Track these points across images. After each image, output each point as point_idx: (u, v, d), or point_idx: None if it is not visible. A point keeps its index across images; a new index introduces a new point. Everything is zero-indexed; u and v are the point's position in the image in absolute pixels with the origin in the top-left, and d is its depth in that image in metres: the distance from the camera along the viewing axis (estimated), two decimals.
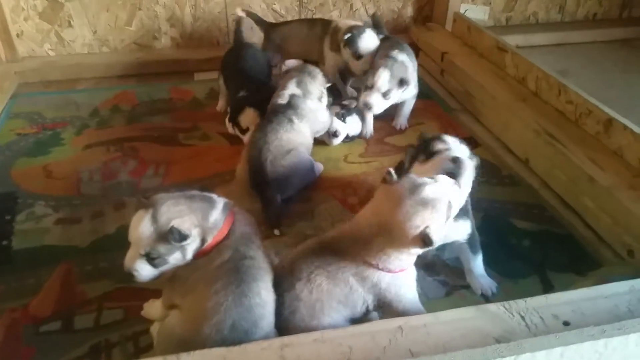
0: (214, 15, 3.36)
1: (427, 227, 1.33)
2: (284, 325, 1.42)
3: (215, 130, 2.68)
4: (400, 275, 1.44)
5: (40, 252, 1.90)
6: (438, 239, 1.34)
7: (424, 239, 1.32)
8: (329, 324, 1.42)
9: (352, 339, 1.26)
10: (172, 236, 1.33)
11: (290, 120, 2.18)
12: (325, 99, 2.42)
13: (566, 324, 1.31)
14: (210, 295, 1.34)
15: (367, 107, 2.45)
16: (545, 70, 2.52)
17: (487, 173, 2.35)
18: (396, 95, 2.49)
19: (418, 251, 1.40)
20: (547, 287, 1.77)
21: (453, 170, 1.57)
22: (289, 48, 2.98)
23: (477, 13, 3.66)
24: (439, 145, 1.69)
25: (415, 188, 1.36)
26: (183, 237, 1.35)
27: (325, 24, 2.87)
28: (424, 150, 1.71)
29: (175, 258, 1.39)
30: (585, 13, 3.95)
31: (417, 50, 3.44)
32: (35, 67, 3.18)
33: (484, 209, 2.10)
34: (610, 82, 3.19)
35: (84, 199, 2.17)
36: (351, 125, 2.55)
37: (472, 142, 2.56)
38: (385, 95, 2.43)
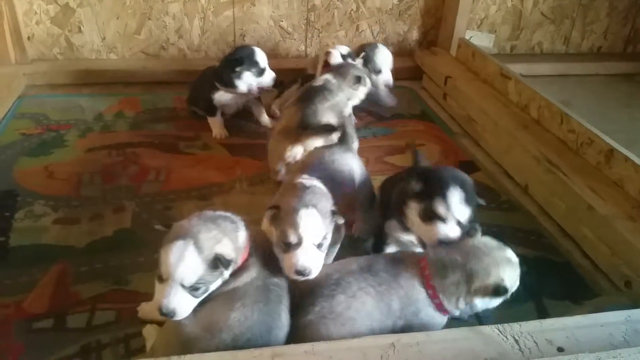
0: (222, 29, 3.40)
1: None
2: (302, 326, 1.42)
3: (216, 140, 2.70)
4: (442, 318, 1.48)
5: (36, 250, 1.90)
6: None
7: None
8: None
9: (343, 352, 1.26)
10: (220, 263, 1.33)
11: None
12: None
13: (560, 349, 1.30)
14: (237, 307, 1.35)
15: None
16: (547, 99, 2.54)
17: (486, 198, 2.34)
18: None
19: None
20: (543, 314, 1.76)
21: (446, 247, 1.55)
22: None
23: (482, 40, 3.70)
24: (440, 209, 1.56)
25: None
26: (228, 262, 1.35)
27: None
28: (426, 202, 1.58)
29: (217, 284, 1.38)
30: (590, 46, 4.00)
31: (420, 74, 3.49)
32: (44, 70, 3.21)
33: (482, 233, 2.09)
34: (613, 115, 3.21)
35: (84, 200, 2.18)
36: None
37: (471, 166, 2.59)
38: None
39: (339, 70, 2.42)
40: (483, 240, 1.53)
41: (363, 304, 1.41)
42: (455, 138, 2.87)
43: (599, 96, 3.49)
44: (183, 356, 1.22)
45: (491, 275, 1.42)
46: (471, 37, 3.64)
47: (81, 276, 1.79)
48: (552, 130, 2.48)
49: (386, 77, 2.85)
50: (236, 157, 2.57)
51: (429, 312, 1.46)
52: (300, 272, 1.43)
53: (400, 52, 3.65)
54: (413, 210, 1.61)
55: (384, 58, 2.85)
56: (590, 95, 3.48)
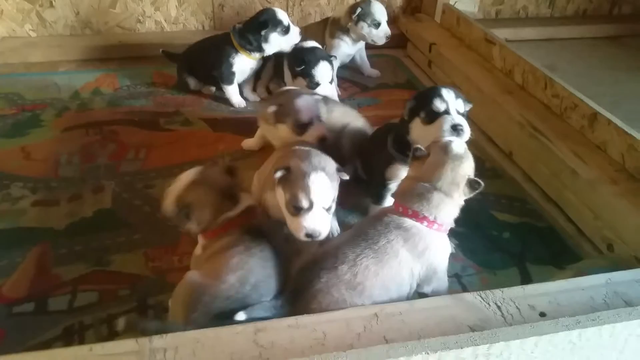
0: None
1: (468, 175, 1.53)
2: (309, 296, 1.40)
3: (197, 116, 2.65)
4: (444, 238, 1.52)
5: (15, 233, 1.87)
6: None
7: (473, 183, 1.52)
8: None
9: (326, 325, 1.25)
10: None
11: None
12: None
13: (542, 314, 1.31)
14: (234, 254, 1.43)
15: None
16: (532, 64, 2.51)
17: None
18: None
19: (462, 201, 1.55)
20: (526, 279, 1.77)
21: (455, 136, 1.67)
22: None
23: (467, 5, 3.62)
24: (439, 105, 1.72)
25: (447, 146, 1.53)
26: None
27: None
28: (425, 108, 1.75)
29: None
30: (576, 9, 3.95)
31: (405, 41, 3.43)
32: (16, 47, 3.12)
33: (465, 200, 2.09)
34: (598, 78, 3.19)
35: (62, 181, 2.14)
36: None
37: None
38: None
39: None
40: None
41: (366, 268, 1.41)
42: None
43: (585, 60, 3.46)
44: (165, 335, 1.21)
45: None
46: (455, 2, 3.56)
47: (62, 258, 1.77)
48: (537, 95, 2.46)
49: (385, 28, 2.89)
50: (218, 133, 2.52)
51: (430, 238, 1.47)
52: (310, 235, 1.51)
53: None
54: (416, 123, 1.77)
55: (381, 10, 2.88)
56: (576, 59, 3.44)
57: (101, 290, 1.65)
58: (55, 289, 1.65)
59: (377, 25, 2.86)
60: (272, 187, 1.62)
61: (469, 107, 1.81)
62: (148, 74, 3.04)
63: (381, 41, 2.91)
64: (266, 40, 2.59)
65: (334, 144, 2.06)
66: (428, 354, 1.15)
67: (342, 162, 2.04)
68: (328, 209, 1.54)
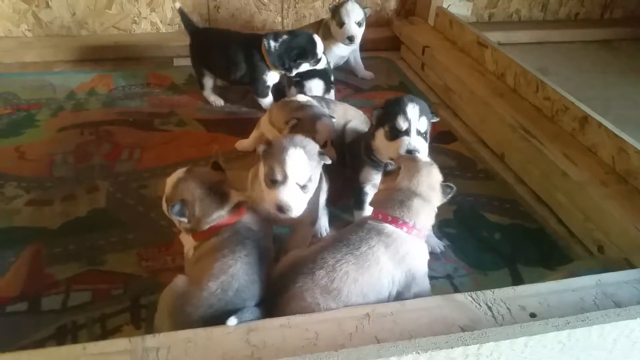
0: (195, 1, 3.31)
1: (441, 180, 1.56)
2: (285, 301, 1.41)
3: (192, 117, 2.66)
4: (423, 244, 1.53)
5: (8, 233, 1.87)
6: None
7: (445, 188, 1.54)
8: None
9: (318, 325, 1.26)
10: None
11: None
12: None
13: (533, 315, 1.33)
14: (218, 257, 1.42)
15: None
16: (523, 67, 2.53)
17: (462, 167, 2.37)
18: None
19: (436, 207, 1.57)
20: (517, 280, 1.79)
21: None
22: None
23: (460, 9, 3.67)
24: (401, 124, 1.74)
25: (414, 157, 1.62)
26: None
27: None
28: (388, 123, 1.76)
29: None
30: (568, 12, 3.98)
31: (399, 44, 3.45)
32: (12, 47, 3.11)
33: (457, 202, 2.11)
34: (589, 81, 3.22)
35: (56, 181, 2.14)
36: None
37: (449, 136, 2.59)
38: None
39: None
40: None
41: (346, 274, 1.40)
42: (433, 108, 2.84)
43: (576, 63, 3.48)
44: (157, 334, 1.22)
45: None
46: (449, 5, 3.60)
47: (55, 257, 1.77)
48: (528, 98, 2.48)
49: (349, 29, 2.81)
50: (213, 133, 2.53)
51: (410, 243, 1.48)
52: (281, 208, 1.54)
53: (378, 22, 3.59)
54: (380, 134, 1.79)
55: (348, 11, 2.81)
56: (568, 62, 3.47)
57: (94, 290, 1.65)
58: (48, 289, 1.65)
59: (342, 25, 2.82)
60: (255, 177, 1.65)
61: (434, 120, 1.83)
62: (143, 74, 3.04)
63: (343, 42, 2.86)
64: (298, 67, 2.60)
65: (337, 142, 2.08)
66: (419, 353, 1.16)
67: (344, 160, 2.07)
68: (303, 187, 1.57)
